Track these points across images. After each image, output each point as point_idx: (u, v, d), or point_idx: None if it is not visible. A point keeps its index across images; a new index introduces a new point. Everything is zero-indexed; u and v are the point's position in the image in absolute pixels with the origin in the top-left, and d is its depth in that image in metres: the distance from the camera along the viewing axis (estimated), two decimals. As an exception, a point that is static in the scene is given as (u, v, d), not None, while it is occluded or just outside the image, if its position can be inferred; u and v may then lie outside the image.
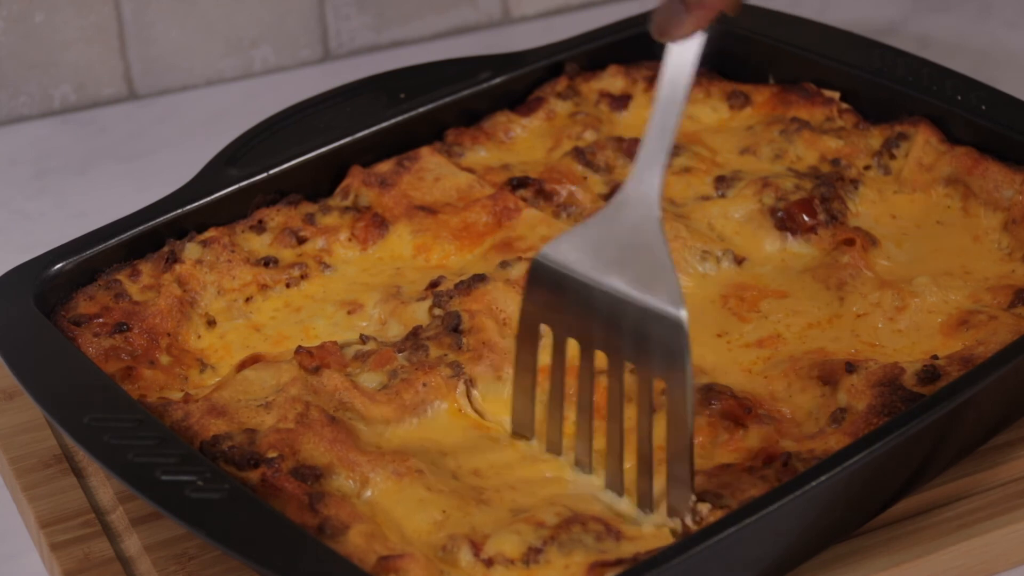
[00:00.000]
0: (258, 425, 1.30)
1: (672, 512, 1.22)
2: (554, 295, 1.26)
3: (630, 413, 1.25)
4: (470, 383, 1.37)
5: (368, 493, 1.25)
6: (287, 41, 2.11)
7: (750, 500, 1.17)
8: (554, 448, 1.30)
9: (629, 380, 1.25)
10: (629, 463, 1.25)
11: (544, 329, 1.29)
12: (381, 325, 1.46)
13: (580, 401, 1.27)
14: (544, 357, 1.31)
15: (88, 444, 1.23)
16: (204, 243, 1.52)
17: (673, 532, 1.22)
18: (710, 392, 1.33)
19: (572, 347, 1.27)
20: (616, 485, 1.26)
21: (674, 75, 1.26)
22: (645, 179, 1.25)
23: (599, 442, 1.27)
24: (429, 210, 1.59)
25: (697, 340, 1.42)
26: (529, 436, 1.32)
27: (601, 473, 1.27)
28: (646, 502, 1.23)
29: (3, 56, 1.98)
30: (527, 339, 1.29)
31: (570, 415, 1.31)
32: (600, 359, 1.25)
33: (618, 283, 1.22)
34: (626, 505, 1.25)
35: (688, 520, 1.21)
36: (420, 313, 1.44)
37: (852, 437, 1.26)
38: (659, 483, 1.23)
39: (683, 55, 1.25)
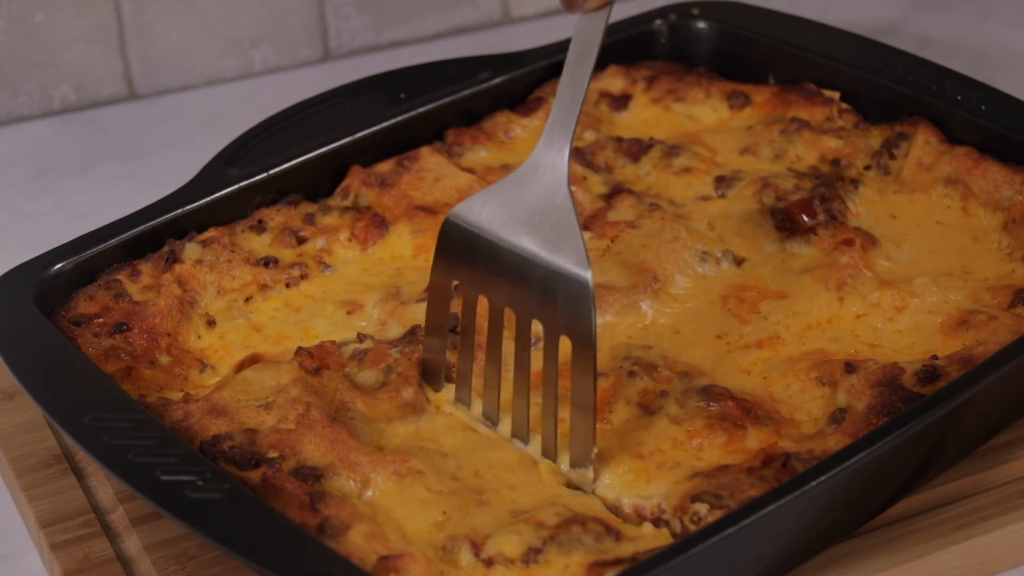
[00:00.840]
0: (258, 425, 1.30)
1: (575, 463, 1.27)
2: (465, 253, 1.31)
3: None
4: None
5: (369, 493, 1.25)
6: (287, 41, 2.11)
7: (749, 500, 1.17)
8: (464, 400, 1.34)
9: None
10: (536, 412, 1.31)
11: (454, 285, 1.33)
12: (381, 325, 1.46)
13: (490, 356, 1.31)
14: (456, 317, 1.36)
15: (88, 444, 1.23)
16: (204, 243, 1.52)
17: (673, 532, 1.23)
18: (709, 393, 1.33)
19: (482, 303, 1.32)
20: (522, 433, 1.30)
21: (582, 44, 1.31)
22: (555, 145, 1.29)
23: (507, 393, 1.32)
24: (429, 210, 1.59)
25: (696, 341, 1.42)
26: (438, 390, 1.36)
27: (508, 422, 1.32)
28: (550, 451, 1.29)
29: (3, 56, 1.98)
30: (438, 296, 1.34)
31: (481, 370, 1.34)
32: (509, 316, 1.30)
33: (528, 244, 1.28)
34: (532, 451, 1.30)
35: (589, 471, 1.26)
36: (420, 314, 1.44)
37: (852, 437, 1.26)
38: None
39: (592, 25, 1.31)
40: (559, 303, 1.26)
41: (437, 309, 1.34)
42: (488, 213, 1.30)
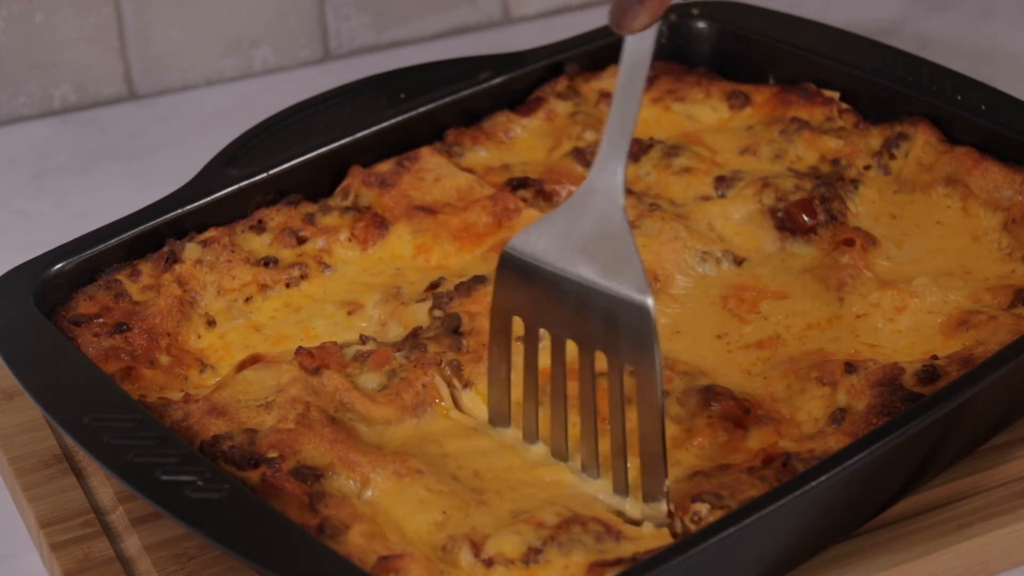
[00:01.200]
0: (258, 425, 1.30)
1: (648, 497, 1.24)
2: (524, 285, 1.28)
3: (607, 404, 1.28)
4: (456, 370, 1.37)
5: (368, 493, 1.25)
6: (287, 41, 2.11)
7: (750, 500, 1.17)
8: (531, 437, 1.32)
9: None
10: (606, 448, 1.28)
11: (516, 320, 1.31)
12: (381, 326, 1.46)
13: (554, 390, 1.29)
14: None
15: (88, 444, 1.23)
16: (204, 243, 1.52)
17: (673, 532, 1.23)
18: (710, 393, 1.33)
19: (544, 337, 1.30)
20: (592, 469, 1.28)
21: (631, 66, 1.28)
22: (608, 168, 1.27)
23: (576, 432, 1.29)
24: (429, 210, 1.59)
25: (697, 341, 1.42)
26: (505, 426, 1.33)
27: (578, 459, 1.29)
28: (621, 487, 1.26)
29: (3, 56, 1.98)
30: (500, 330, 1.31)
31: (546, 406, 1.32)
32: (571, 348, 1.28)
33: (586, 272, 1.25)
34: (601, 487, 1.27)
35: (663, 504, 1.23)
36: (420, 314, 1.44)
37: (852, 437, 1.26)
38: (636, 472, 1.26)
39: (639, 46, 1.28)
40: (620, 331, 1.23)
41: (500, 343, 1.31)
42: (544, 243, 1.27)
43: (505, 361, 1.32)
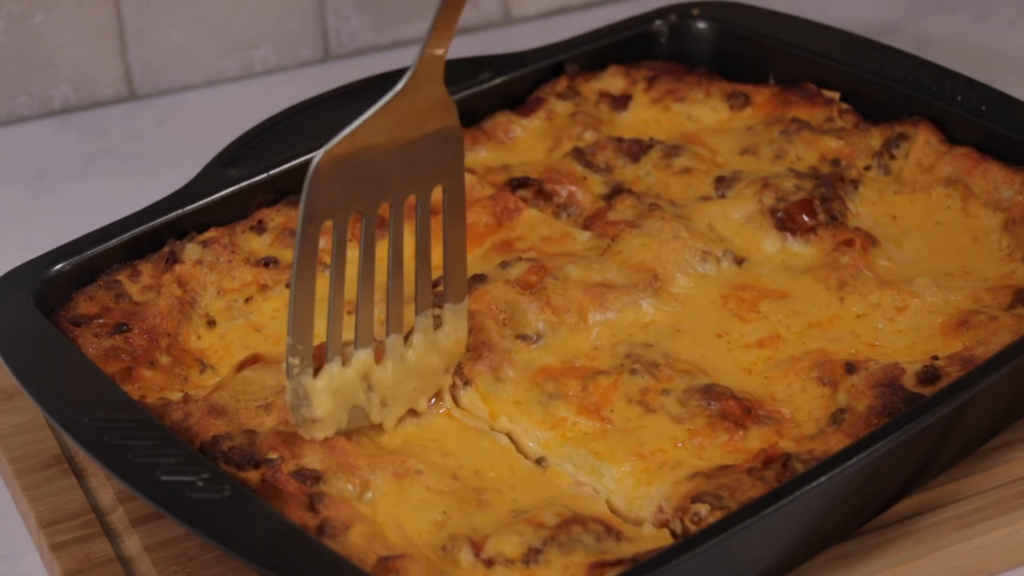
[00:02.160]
0: (258, 426, 1.30)
1: (451, 297, 1.33)
2: (344, 183, 1.25)
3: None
4: (456, 369, 1.36)
5: (368, 495, 1.25)
6: (287, 41, 2.11)
7: (750, 501, 1.17)
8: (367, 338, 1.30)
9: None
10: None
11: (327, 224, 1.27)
12: (381, 325, 1.45)
13: (395, 266, 1.30)
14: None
15: (88, 444, 1.23)
16: (204, 243, 1.52)
17: (673, 533, 1.23)
18: (710, 392, 1.34)
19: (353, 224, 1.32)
20: (397, 322, 1.31)
21: None
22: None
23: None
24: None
25: (697, 340, 1.42)
26: (306, 347, 1.27)
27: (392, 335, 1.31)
28: (426, 302, 1.32)
29: (3, 56, 1.98)
30: (311, 242, 1.25)
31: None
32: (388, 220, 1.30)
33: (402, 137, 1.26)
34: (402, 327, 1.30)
35: (465, 303, 1.33)
36: (420, 313, 1.44)
37: (852, 438, 1.26)
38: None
39: None
40: (434, 161, 1.28)
41: (312, 256, 1.25)
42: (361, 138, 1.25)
43: (313, 278, 1.26)
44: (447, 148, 1.30)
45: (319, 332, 1.28)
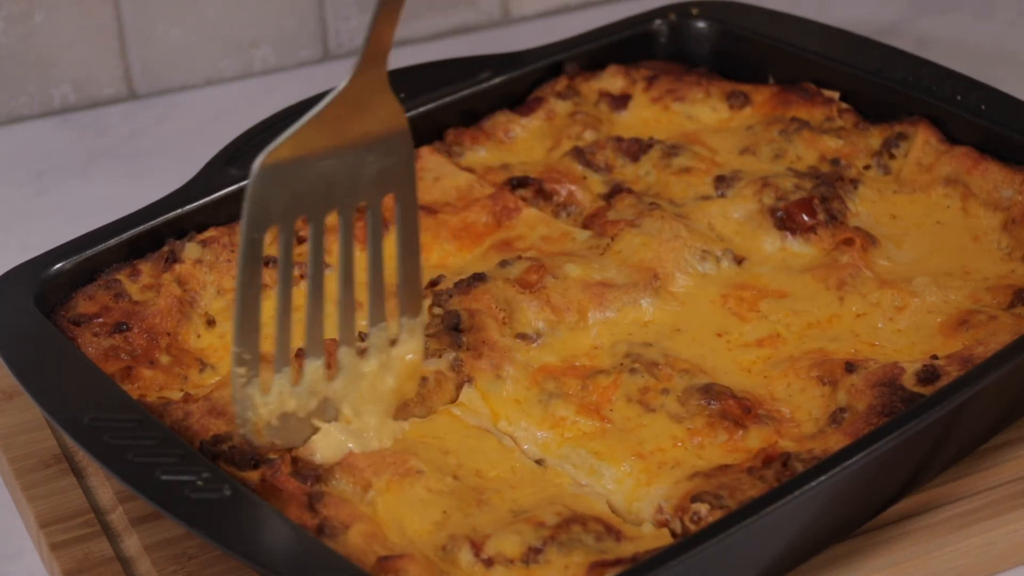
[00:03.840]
0: None
1: (406, 311, 1.28)
2: (288, 189, 1.22)
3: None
4: (456, 366, 1.37)
5: (369, 495, 1.25)
6: (287, 41, 2.11)
7: (749, 501, 1.17)
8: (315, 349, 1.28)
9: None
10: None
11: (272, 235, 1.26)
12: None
13: (345, 271, 1.27)
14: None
15: (88, 444, 1.23)
16: (204, 243, 1.52)
17: (673, 532, 1.23)
18: (709, 392, 1.34)
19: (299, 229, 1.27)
20: (348, 334, 1.28)
21: None
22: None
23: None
24: (429, 210, 1.59)
25: (697, 340, 1.42)
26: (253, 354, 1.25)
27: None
28: (378, 315, 1.28)
29: (3, 56, 1.98)
30: (255, 247, 1.21)
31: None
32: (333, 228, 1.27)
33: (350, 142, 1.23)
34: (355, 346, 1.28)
35: (424, 316, 1.31)
36: (420, 313, 1.44)
37: (852, 437, 1.26)
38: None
39: None
40: (385, 169, 1.24)
41: (257, 268, 1.21)
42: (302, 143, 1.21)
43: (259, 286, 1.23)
44: (397, 154, 1.25)
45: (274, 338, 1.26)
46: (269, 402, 1.26)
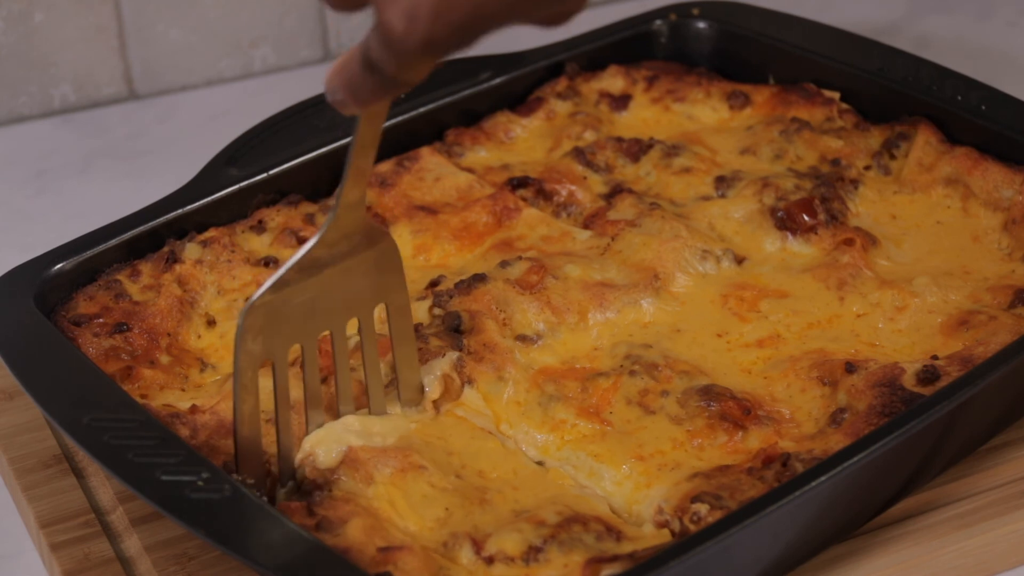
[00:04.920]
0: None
1: (406, 399, 1.32)
2: (273, 331, 1.25)
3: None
4: (458, 367, 1.37)
5: (372, 489, 1.25)
6: (287, 41, 2.11)
7: (749, 501, 1.17)
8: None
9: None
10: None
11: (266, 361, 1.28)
12: (381, 324, 1.45)
13: (310, 385, 1.29)
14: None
15: (88, 444, 1.23)
16: (204, 243, 1.52)
17: (673, 533, 1.23)
18: (709, 393, 1.33)
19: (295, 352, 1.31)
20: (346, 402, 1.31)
21: (364, 138, 1.23)
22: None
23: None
24: (429, 210, 1.59)
25: (697, 340, 1.42)
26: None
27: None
28: (379, 402, 1.31)
29: (3, 56, 1.98)
30: (251, 391, 1.25)
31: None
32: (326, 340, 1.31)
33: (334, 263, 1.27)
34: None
35: (419, 403, 1.33)
36: (420, 312, 1.44)
37: (852, 437, 1.26)
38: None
39: (373, 123, 1.22)
40: (366, 284, 1.27)
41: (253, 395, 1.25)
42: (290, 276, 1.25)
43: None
44: (384, 268, 1.29)
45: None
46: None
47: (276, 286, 1.24)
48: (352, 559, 1.15)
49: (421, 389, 1.34)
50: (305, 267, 1.25)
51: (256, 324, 1.23)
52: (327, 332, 1.28)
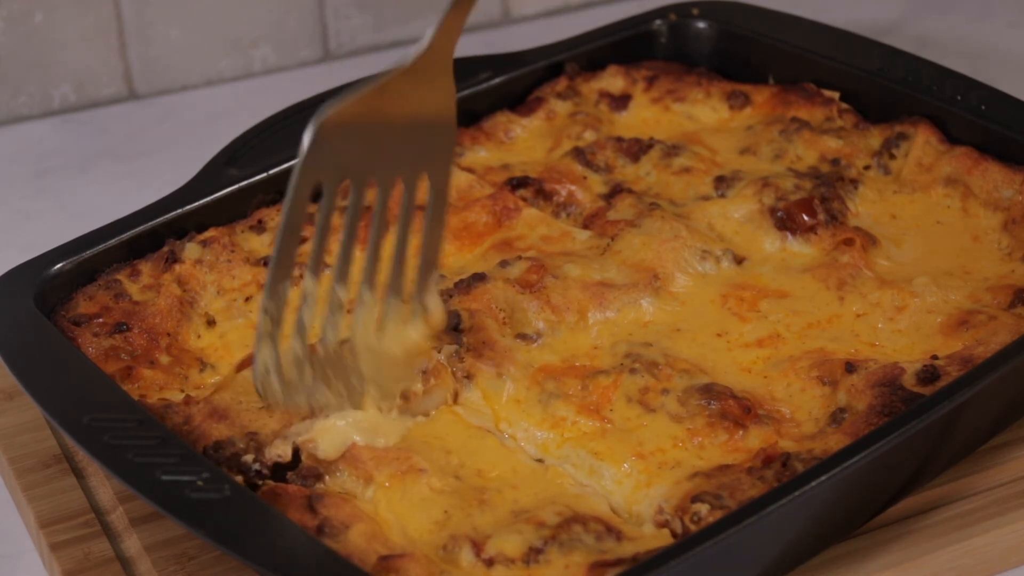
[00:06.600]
0: (260, 428, 1.30)
1: (422, 292, 1.30)
2: (337, 149, 1.23)
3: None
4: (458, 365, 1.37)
5: (371, 492, 1.25)
6: (287, 41, 2.11)
7: (749, 501, 1.17)
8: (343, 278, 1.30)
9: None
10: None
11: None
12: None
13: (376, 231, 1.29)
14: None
15: (88, 444, 1.23)
16: (204, 243, 1.52)
17: (673, 533, 1.23)
18: (709, 392, 1.34)
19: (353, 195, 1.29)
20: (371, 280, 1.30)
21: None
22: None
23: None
24: (429, 210, 1.59)
25: (697, 340, 1.42)
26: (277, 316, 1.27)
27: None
28: (398, 290, 1.30)
29: (3, 56, 1.98)
30: (301, 205, 1.25)
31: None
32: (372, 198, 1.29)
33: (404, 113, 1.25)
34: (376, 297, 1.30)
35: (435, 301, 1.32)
36: (420, 313, 1.44)
37: (852, 437, 1.26)
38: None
39: None
40: (421, 145, 1.26)
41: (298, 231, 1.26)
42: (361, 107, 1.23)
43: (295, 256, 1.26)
44: (440, 137, 1.28)
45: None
46: (287, 350, 1.26)
47: (359, 102, 1.21)
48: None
49: (438, 276, 1.32)
50: (384, 97, 1.22)
51: (329, 134, 1.20)
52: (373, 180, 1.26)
